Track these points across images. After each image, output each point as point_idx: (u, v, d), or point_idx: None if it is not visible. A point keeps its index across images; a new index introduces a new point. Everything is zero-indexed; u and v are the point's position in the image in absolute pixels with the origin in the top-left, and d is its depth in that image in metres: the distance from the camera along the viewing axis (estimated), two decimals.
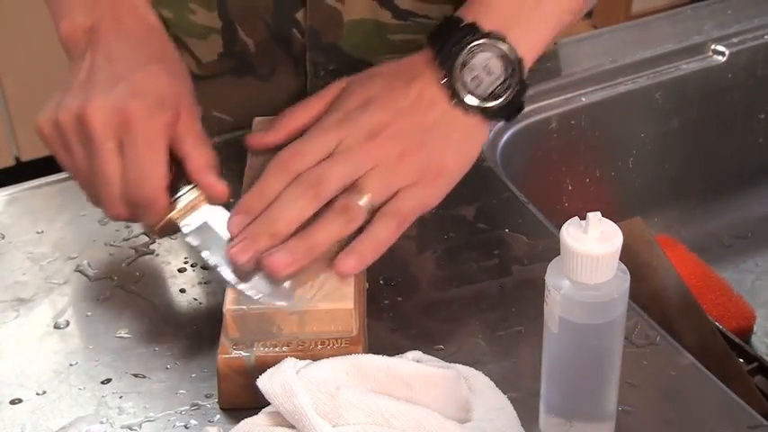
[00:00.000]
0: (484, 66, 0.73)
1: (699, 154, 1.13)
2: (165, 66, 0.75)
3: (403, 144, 0.72)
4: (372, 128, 0.72)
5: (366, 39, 0.89)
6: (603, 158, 1.08)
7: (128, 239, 0.84)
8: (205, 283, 0.80)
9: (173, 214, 0.72)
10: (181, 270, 0.81)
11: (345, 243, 0.71)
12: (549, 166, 1.05)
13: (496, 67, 0.74)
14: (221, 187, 0.72)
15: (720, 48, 1.09)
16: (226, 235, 0.71)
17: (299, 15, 0.89)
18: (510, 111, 0.75)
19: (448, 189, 0.74)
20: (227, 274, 0.70)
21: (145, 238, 0.84)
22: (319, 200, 0.70)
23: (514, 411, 0.66)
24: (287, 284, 0.69)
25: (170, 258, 0.83)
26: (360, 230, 0.71)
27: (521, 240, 0.83)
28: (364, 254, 0.70)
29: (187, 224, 0.73)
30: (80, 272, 0.82)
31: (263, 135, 0.77)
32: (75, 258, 0.83)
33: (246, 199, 0.71)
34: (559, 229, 0.60)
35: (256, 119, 0.83)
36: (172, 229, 0.73)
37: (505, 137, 0.99)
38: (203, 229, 0.72)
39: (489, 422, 0.64)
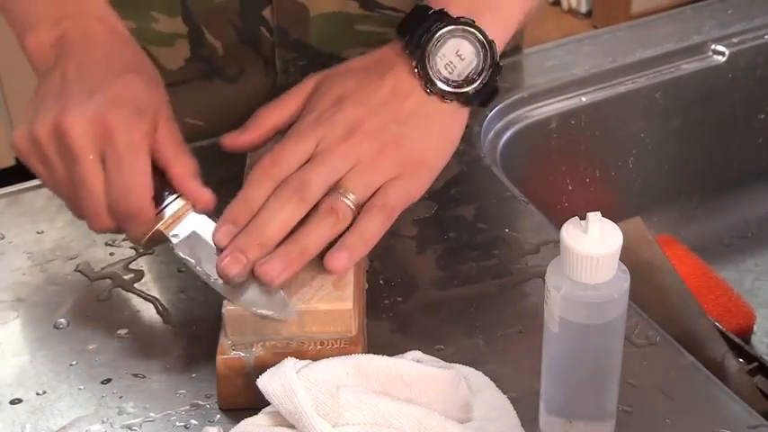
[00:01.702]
0: (456, 51, 0.73)
1: (699, 154, 1.13)
2: (140, 74, 0.73)
3: (380, 139, 0.72)
4: (348, 126, 0.72)
5: (333, 31, 0.89)
6: (603, 158, 1.08)
7: (128, 239, 0.84)
8: (205, 283, 0.80)
9: (160, 225, 0.71)
10: (181, 270, 0.81)
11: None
12: (549, 166, 1.05)
13: (468, 52, 0.74)
14: (206, 195, 0.71)
15: (720, 48, 1.09)
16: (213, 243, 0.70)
17: (266, 13, 0.90)
18: (486, 94, 0.75)
19: (431, 178, 0.75)
20: (218, 286, 0.69)
21: None
22: (305, 204, 0.69)
23: (514, 411, 0.66)
24: (281, 293, 0.68)
25: (170, 258, 0.82)
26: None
27: (521, 240, 0.83)
28: (353, 249, 0.69)
29: (175, 234, 0.71)
30: (80, 272, 0.82)
31: (238, 135, 0.76)
32: (75, 258, 0.83)
33: (232, 209, 0.70)
34: (559, 229, 0.60)
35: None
36: (159, 240, 0.72)
37: (505, 137, 1.00)
38: (192, 238, 0.71)
39: (489, 422, 0.64)
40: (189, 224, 0.71)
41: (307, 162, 0.71)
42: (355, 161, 0.71)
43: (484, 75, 0.74)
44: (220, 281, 0.69)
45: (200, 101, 0.95)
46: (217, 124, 0.85)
